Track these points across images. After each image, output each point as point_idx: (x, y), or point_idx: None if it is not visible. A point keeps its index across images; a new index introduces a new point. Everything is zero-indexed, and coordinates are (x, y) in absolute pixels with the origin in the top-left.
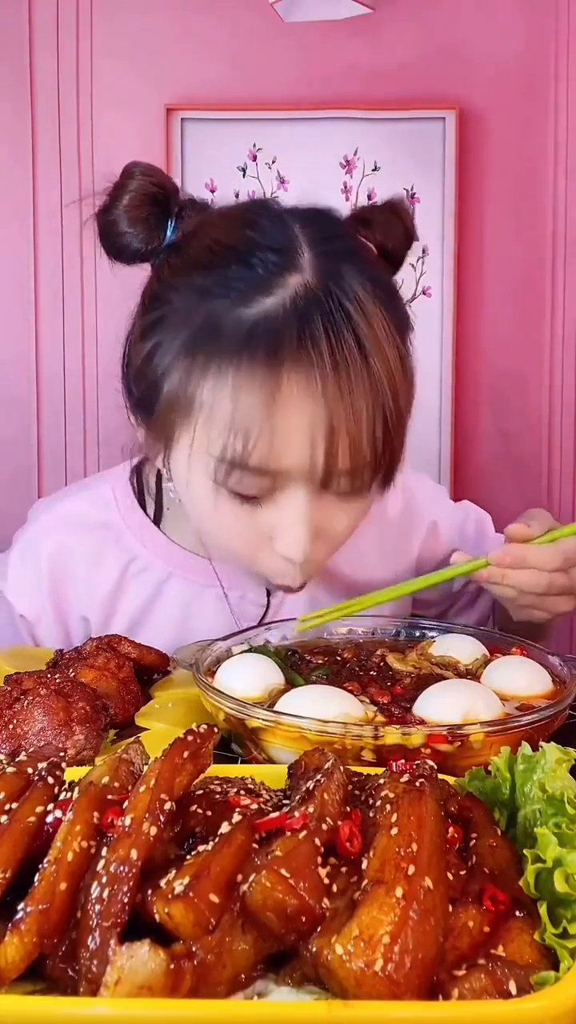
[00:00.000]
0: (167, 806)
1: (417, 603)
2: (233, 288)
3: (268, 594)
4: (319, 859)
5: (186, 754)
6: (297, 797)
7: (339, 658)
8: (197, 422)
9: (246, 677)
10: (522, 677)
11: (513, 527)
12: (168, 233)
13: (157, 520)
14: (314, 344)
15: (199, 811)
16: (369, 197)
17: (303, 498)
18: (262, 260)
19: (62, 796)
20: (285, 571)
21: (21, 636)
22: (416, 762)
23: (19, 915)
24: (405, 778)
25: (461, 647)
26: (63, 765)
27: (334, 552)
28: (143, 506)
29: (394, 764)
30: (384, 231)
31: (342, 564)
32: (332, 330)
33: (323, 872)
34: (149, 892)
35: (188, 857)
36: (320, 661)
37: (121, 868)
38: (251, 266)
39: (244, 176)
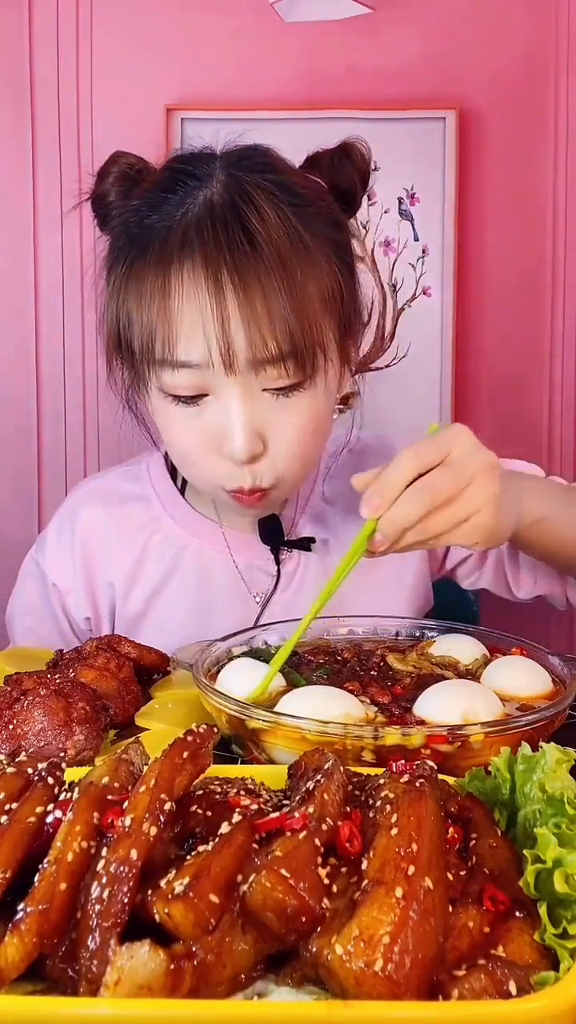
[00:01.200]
0: (167, 806)
1: (459, 576)
2: (156, 210)
3: (277, 563)
4: (319, 859)
5: (186, 754)
6: (297, 797)
7: (339, 658)
8: (131, 332)
9: (245, 680)
10: (522, 677)
11: (354, 478)
12: None
13: (183, 491)
14: (200, 238)
15: (199, 811)
16: (369, 197)
17: (231, 392)
18: (183, 185)
19: (62, 796)
20: (235, 474)
21: (53, 607)
22: (416, 762)
23: (19, 915)
24: (405, 778)
25: (461, 647)
26: (63, 765)
27: (293, 466)
28: (175, 478)
29: (394, 764)
30: (332, 171)
31: (348, 534)
32: (219, 225)
33: (323, 872)
34: (149, 892)
35: (188, 857)
36: (320, 661)
37: (121, 868)
38: (175, 190)
39: None
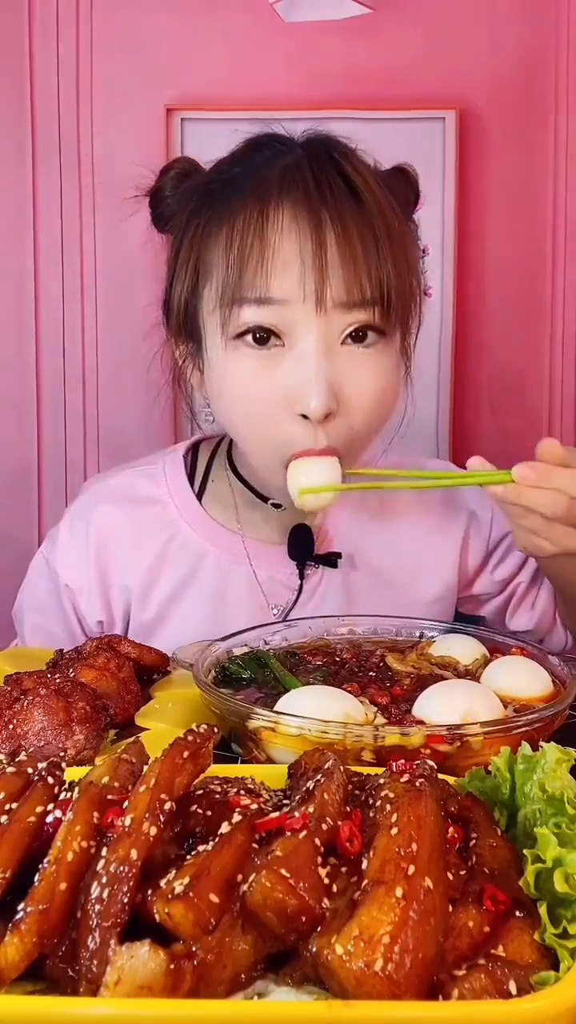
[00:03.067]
0: (167, 806)
1: (466, 602)
2: (239, 169)
3: (301, 577)
4: (319, 859)
5: (186, 754)
6: (297, 797)
7: (338, 659)
8: (206, 287)
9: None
10: (522, 677)
11: (547, 443)
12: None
13: (201, 496)
14: (300, 178)
15: (199, 811)
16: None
17: (313, 335)
18: (267, 149)
19: (62, 796)
20: (306, 435)
21: (64, 607)
22: (416, 762)
23: (19, 915)
24: (405, 778)
25: (461, 647)
26: (63, 765)
27: (365, 429)
28: (193, 483)
29: (394, 764)
30: (391, 184)
31: (376, 548)
32: (319, 169)
33: (323, 872)
34: (149, 892)
35: (188, 857)
36: (319, 662)
37: (121, 868)
38: (258, 152)
39: None
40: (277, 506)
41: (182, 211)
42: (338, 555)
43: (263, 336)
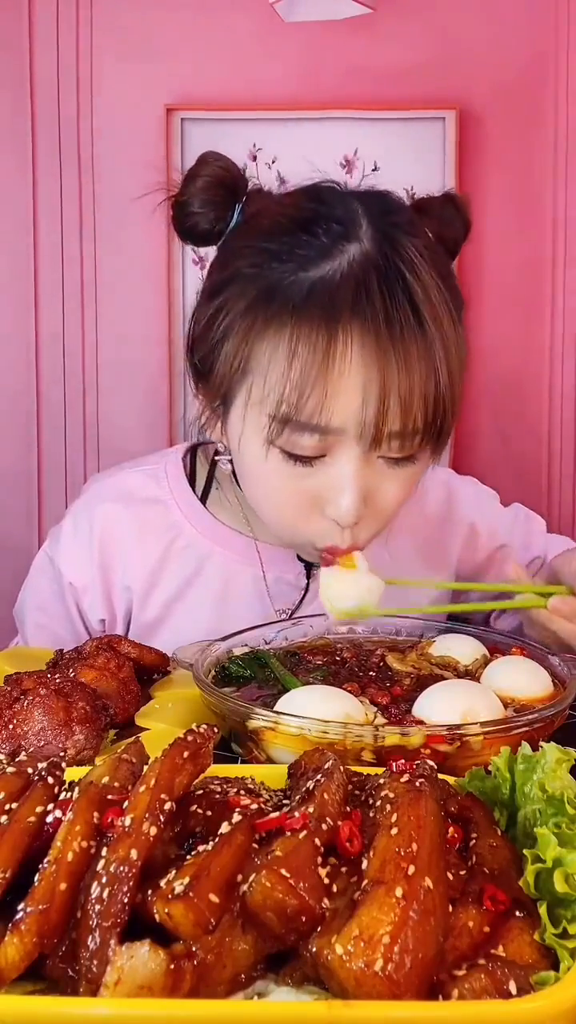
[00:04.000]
0: (167, 806)
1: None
2: (296, 254)
3: (308, 577)
4: (319, 859)
5: (186, 754)
6: (297, 797)
7: (338, 659)
8: (253, 381)
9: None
10: (522, 677)
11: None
12: (235, 215)
13: (204, 499)
14: (369, 304)
15: (199, 811)
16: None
17: (354, 459)
18: (325, 229)
19: (62, 796)
20: (332, 533)
21: (67, 605)
22: (416, 762)
23: (19, 915)
24: (405, 778)
25: (461, 647)
26: (63, 765)
27: (382, 528)
28: (193, 485)
29: (394, 764)
30: (441, 221)
31: (377, 562)
32: (387, 292)
33: (323, 872)
34: (149, 892)
35: (188, 857)
36: (319, 662)
37: (121, 868)
38: (314, 234)
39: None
40: None
41: (227, 259)
42: None
43: (306, 457)
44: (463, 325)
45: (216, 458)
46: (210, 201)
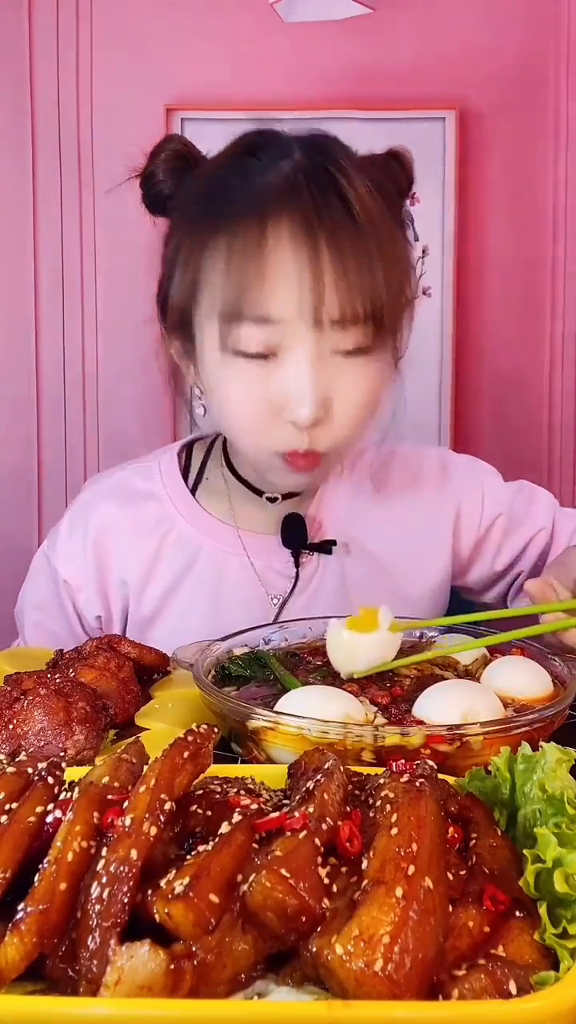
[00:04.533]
0: (167, 806)
1: (468, 589)
2: (236, 175)
3: (296, 565)
4: (319, 859)
5: (186, 754)
6: (297, 797)
7: None
8: (203, 293)
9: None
10: (522, 677)
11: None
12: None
13: (194, 492)
14: (297, 197)
15: (199, 811)
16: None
17: (305, 352)
18: (264, 152)
19: (62, 796)
20: (295, 437)
21: (63, 603)
22: (416, 762)
23: (19, 915)
24: (405, 778)
25: None
26: (63, 765)
27: (345, 436)
28: (187, 479)
29: (394, 764)
30: (385, 171)
31: (370, 535)
32: (316, 189)
33: (323, 872)
34: (149, 892)
35: (188, 857)
36: (319, 663)
37: (121, 868)
38: (254, 157)
39: None
40: (272, 500)
41: (181, 207)
42: (333, 542)
43: (258, 354)
44: (406, 240)
45: (198, 400)
46: (172, 170)
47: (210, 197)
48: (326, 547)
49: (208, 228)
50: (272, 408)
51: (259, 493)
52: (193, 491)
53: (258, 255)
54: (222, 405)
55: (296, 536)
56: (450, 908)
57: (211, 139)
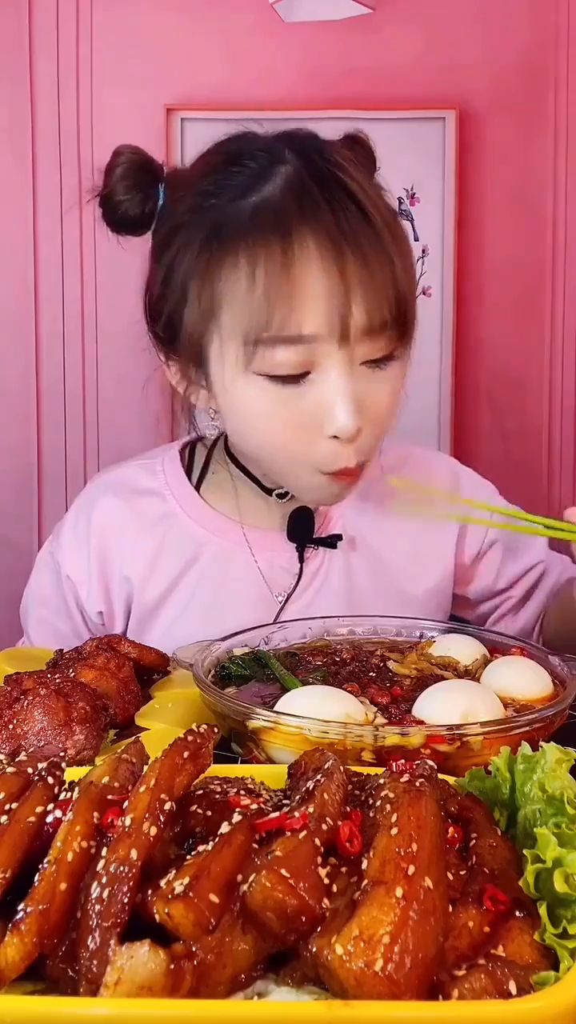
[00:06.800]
0: (167, 806)
1: (461, 604)
2: (230, 186)
3: (301, 561)
4: (319, 859)
5: (186, 754)
6: (297, 797)
7: (337, 659)
8: (222, 317)
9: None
10: (522, 677)
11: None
12: (160, 196)
13: (200, 486)
14: (315, 207)
15: (199, 811)
16: None
17: (339, 367)
18: (253, 158)
19: (62, 796)
20: (339, 453)
21: (66, 599)
22: (416, 762)
23: (19, 915)
24: (405, 778)
25: (461, 647)
26: (63, 765)
27: (380, 437)
28: (191, 477)
29: (394, 764)
30: (357, 158)
31: (375, 532)
32: (329, 194)
33: (323, 872)
34: (149, 892)
35: (188, 857)
36: (318, 663)
37: (121, 868)
38: (243, 165)
39: None
40: (282, 496)
41: (168, 227)
42: (338, 537)
43: (292, 376)
44: (402, 227)
45: (204, 434)
46: (134, 185)
47: (207, 214)
48: (331, 541)
49: (218, 249)
50: (308, 426)
51: (268, 490)
52: (197, 488)
53: (285, 274)
54: (249, 427)
55: (303, 530)
56: (450, 908)
57: (211, 139)
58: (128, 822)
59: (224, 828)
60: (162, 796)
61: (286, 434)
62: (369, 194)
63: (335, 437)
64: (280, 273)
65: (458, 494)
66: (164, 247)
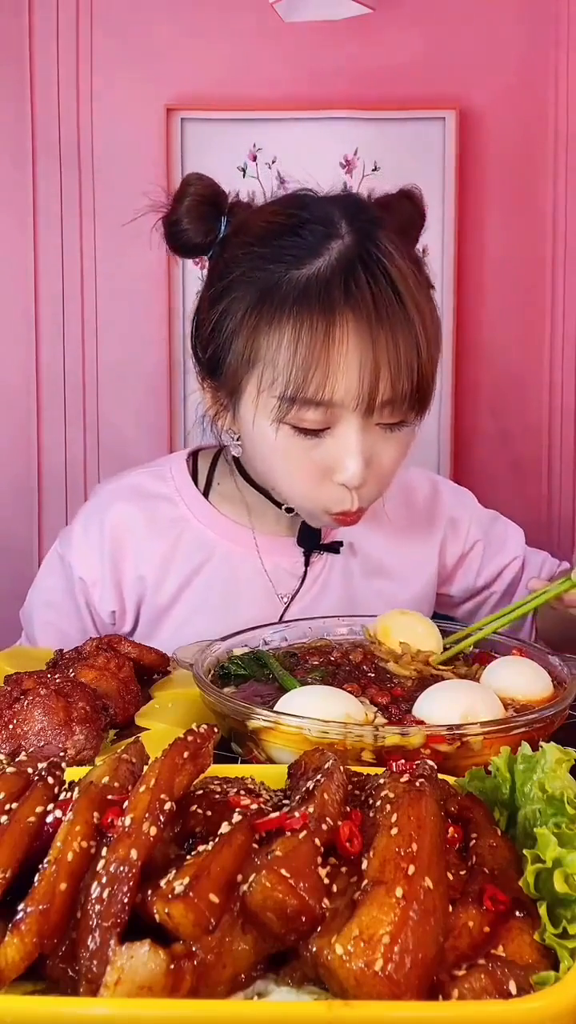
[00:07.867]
0: (167, 806)
1: (444, 602)
2: (287, 256)
3: (306, 565)
4: (319, 859)
5: (186, 754)
6: (297, 797)
7: (336, 660)
8: (263, 370)
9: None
10: (522, 678)
11: None
12: (222, 227)
13: (206, 495)
14: (360, 292)
15: (199, 811)
16: (369, 197)
17: (355, 428)
18: (310, 231)
19: (62, 796)
20: (343, 498)
21: (77, 601)
22: (416, 762)
23: (19, 915)
24: (405, 778)
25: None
26: (63, 765)
27: (383, 489)
28: (196, 485)
29: (394, 764)
30: (401, 215)
31: (372, 541)
32: (372, 281)
33: (323, 872)
34: (149, 892)
35: (188, 857)
36: (317, 662)
37: (121, 868)
38: (301, 236)
39: (244, 176)
40: (290, 510)
41: (226, 264)
42: (340, 543)
43: (314, 430)
44: (433, 302)
45: (225, 452)
46: (199, 217)
47: (262, 275)
48: (335, 547)
49: (268, 313)
50: (321, 472)
51: (277, 504)
52: (206, 494)
53: (324, 347)
54: (267, 462)
55: (310, 536)
56: (450, 908)
57: (211, 139)
58: (128, 822)
59: (224, 828)
60: (162, 796)
61: (299, 474)
62: (408, 281)
63: (343, 485)
64: (321, 347)
65: (439, 502)
66: (220, 294)
